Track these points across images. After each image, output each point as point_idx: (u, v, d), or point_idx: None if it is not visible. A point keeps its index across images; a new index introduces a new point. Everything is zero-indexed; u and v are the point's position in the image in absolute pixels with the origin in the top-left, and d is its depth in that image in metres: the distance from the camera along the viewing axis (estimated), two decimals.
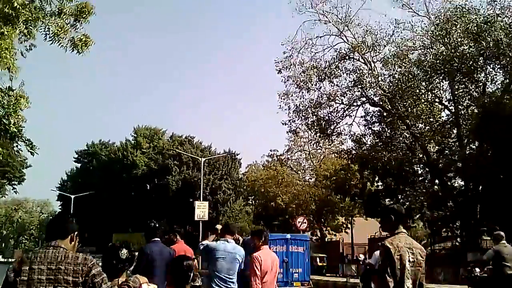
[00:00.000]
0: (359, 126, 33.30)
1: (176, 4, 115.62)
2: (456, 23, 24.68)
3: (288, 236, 20.87)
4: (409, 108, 29.13)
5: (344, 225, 49.49)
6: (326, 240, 48.40)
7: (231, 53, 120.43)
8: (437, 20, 27.21)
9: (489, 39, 23.22)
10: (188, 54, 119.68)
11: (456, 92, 28.45)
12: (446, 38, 24.74)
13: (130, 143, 68.31)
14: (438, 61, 25.48)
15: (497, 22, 23.12)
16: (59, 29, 8.74)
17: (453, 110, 29.50)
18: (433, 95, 30.16)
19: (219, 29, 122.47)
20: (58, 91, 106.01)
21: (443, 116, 29.96)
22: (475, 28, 24.20)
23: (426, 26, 29.46)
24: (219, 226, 8.07)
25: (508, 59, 22.77)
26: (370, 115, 32.76)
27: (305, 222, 27.70)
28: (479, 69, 25.40)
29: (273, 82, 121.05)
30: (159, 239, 7.73)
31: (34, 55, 10.98)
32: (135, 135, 69.40)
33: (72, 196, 59.65)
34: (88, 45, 9.21)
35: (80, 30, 9.10)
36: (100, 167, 64.61)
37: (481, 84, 26.73)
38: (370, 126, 33.32)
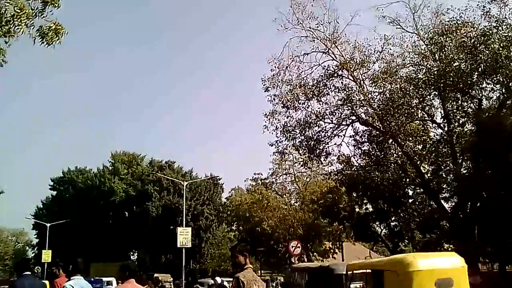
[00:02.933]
0: (348, 146, 32.03)
1: (158, 23, 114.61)
2: (451, 37, 23.79)
3: None
4: (401, 127, 28.04)
5: (332, 250, 48.09)
6: None
7: (212, 75, 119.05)
8: (428, 35, 26.34)
9: (486, 51, 22.33)
10: (168, 77, 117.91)
11: (449, 109, 27.50)
12: (441, 52, 23.79)
13: (107, 169, 66.33)
14: (431, 76, 24.49)
15: (494, 35, 22.27)
16: (18, 11, 7.15)
17: (446, 128, 28.52)
18: (425, 113, 29.21)
19: (199, 50, 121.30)
20: (29, 113, 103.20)
21: (437, 134, 28.90)
22: (471, 41, 23.35)
23: (414, 43, 28.72)
24: None
25: (506, 73, 21.85)
26: (360, 135, 31.63)
27: (298, 247, 26.11)
28: (474, 84, 24.46)
29: (256, 105, 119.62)
30: (30, 273, 7.91)
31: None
32: (113, 161, 67.50)
33: (48, 225, 57.13)
34: (60, 34, 7.69)
35: (49, 16, 7.59)
36: (77, 195, 62.39)
37: (476, 100, 25.81)
38: (359, 146, 32.14)
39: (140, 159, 68.84)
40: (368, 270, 11.32)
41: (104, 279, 36.07)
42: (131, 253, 65.37)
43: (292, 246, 26.21)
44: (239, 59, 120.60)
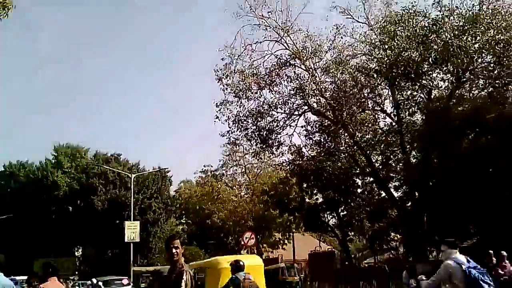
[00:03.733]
0: (299, 137, 32.02)
1: (102, 10, 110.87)
2: (403, 26, 24.00)
3: None
4: (352, 116, 28.20)
5: (281, 241, 48.18)
6: (264, 257, 46.65)
7: (158, 64, 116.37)
8: (380, 24, 26.52)
9: (438, 40, 22.67)
10: (110, 65, 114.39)
11: (399, 99, 27.86)
12: (393, 41, 23.95)
13: (50, 162, 63.83)
14: (383, 66, 24.65)
15: (446, 24, 22.62)
16: None
17: (396, 118, 28.92)
18: (375, 103, 29.51)
19: (143, 39, 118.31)
20: None
21: (387, 124, 29.25)
22: (422, 30, 23.63)
23: (365, 33, 28.90)
24: None
25: (457, 62, 22.23)
26: (311, 125, 31.67)
27: (252, 238, 25.82)
28: (425, 74, 24.81)
29: (205, 96, 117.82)
30: None
31: None
32: (56, 154, 64.99)
33: None
34: (7, 8, 6.97)
35: None
36: (18, 189, 59.72)
37: (426, 89, 26.22)
38: (310, 136, 32.19)
39: (84, 151, 66.58)
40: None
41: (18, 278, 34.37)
42: (76, 249, 63.31)
43: (246, 238, 25.94)
44: (185, 45, 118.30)
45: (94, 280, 30.87)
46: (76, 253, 63.60)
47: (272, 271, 27.66)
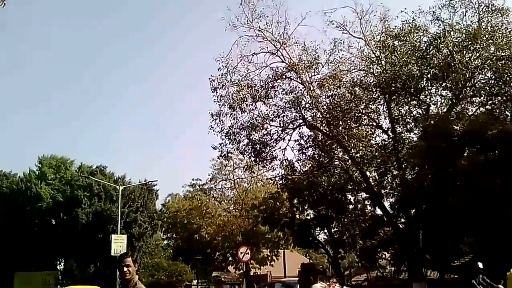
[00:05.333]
0: (293, 151, 31.55)
1: (96, 25, 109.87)
2: (404, 40, 23.80)
3: None
4: (349, 131, 27.85)
5: (269, 258, 47.39)
6: (252, 274, 45.84)
7: (147, 74, 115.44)
8: (379, 38, 26.29)
9: (439, 55, 22.47)
10: (97, 76, 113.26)
11: (396, 115, 27.61)
12: (392, 55, 23.72)
13: (34, 173, 62.49)
14: (382, 80, 24.37)
15: (447, 39, 22.44)
16: None
17: (391, 134, 28.65)
18: (371, 119, 29.21)
19: (135, 47, 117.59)
20: None
21: (383, 140, 28.91)
22: (423, 45, 23.44)
23: (361, 48, 28.73)
24: None
25: (458, 77, 22.01)
26: (305, 139, 31.27)
27: (248, 253, 25.02)
28: (423, 89, 24.59)
29: (193, 109, 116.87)
30: None
31: None
32: (40, 165, 63.69)
33: None
34: None
35: None
36: (1, 200, 58.28)
37: (424, 105, 25.98)
38: (303, 151, 31.78)
39: (69, 163, 65.28)
40: None
41: None
42: (58, 262, 61.75)
43: (241, 253, 25.10)
44: (177, 55, 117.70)
45: None
46: (58, 267, 62.12)
47: None
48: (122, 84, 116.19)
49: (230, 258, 47.47)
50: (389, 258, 36.58)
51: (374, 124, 29.24)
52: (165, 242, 59.37)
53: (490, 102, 24.28)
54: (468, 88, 24.67)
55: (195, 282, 54.97)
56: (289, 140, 30.84)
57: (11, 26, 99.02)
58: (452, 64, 21.62)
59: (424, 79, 24.03)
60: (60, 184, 59.39)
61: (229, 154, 32.03)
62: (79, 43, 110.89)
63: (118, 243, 36.70)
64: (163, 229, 56.38)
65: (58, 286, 57.08)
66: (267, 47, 29.05)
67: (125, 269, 5.23)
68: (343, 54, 28.69)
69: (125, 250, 37.40)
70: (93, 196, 53.73)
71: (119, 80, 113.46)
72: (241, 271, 47.24)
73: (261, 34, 28.69)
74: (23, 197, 56.99)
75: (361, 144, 28.47)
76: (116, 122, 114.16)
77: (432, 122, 24.41)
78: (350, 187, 31.56)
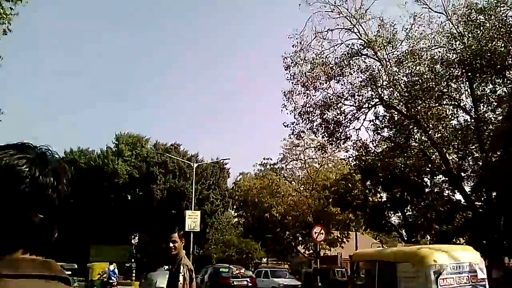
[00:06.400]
0: (367, 131, 30.67)
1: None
2: (490, 14, 22.32)
3: None
4: (428, 110, 26.61)
5: (340, 239, 46.87)
6: (322, 254, 45.52)
7: (219, 54, 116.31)
8: (464, 12, 24.74)
9: None
10: (171, 55, 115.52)
11: (480, 93, 26.08)
12: (478, 30, 22.31)
13: (111, 150, 64.96)
14: (466, 56, 22.99)
15: None
16: None
17: (473, 114, 27.12)
18: (452, 98, 27.76)
19: (203, 27, 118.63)
20: (31, 91, 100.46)
21: (465, 120, 27.43)
22: (511, 20, 21.89)
23: (442, 23, 27.28)
24: None
25: None
26: (381, 119, 30.27)
27: (322, 233, 24.69)
28: (509, 67, 23.02)
29: (266, 87, 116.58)
30: None
31: None
32: (117, 142, 66.09)
33: None
34: None
35: None
36: (79, 175, 60.99)
37: (510, 84, 24.36)
38: (379, 131, 30.80)
39: (145, 141, 67.45)
40: None
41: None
42: (133, 237, 64.15)
43: (315, 232, 24.79)
44: (249, 34, 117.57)
45: None
46: (132, 241, 64.48)
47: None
48: (195, 63, 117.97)
49: (300, 238, 47.40)
50: (464, 243, 35.11)
51: (455, 103, 27.77)
52: (236, 219, 60.05)
53: None
54: None
55: (264, 260, 55.48)
56: (364, 120, 30.03)
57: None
58: None
59: (511, 55, 22.45)
60: (136, 160, 61.39)
61: (301, 134, 31.61)
62: (156, 19, 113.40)
63: (192, 219, 37.47)
64: (234, 207, 57.09)
65: (132, 260, 59.65)
66: (342, 23, 28.26)
67: (171, 244, 5.48)
68: (423, 30, 27.43)
69: (198, 226, 38.21)
70: (167, 173, 55.18)
71: (193, 58, 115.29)
72: (311, 251, 47.01)
73: (336, 10, 27.90)
74: (100, 173, 59.40)
75: (440, 124, 27.23)
76: (189, 102, 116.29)
77: None
78: (428, 170, 30.29)
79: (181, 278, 4.88)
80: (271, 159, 48.43)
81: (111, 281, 27.99)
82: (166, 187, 53.39)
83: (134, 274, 38.78)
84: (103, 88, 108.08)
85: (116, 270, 29.42)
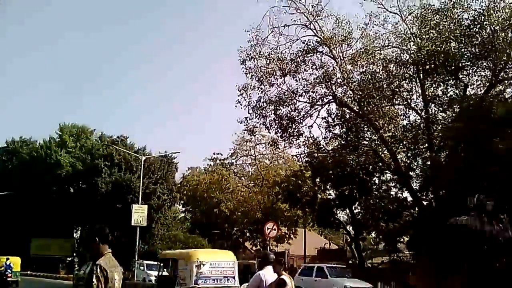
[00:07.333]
0: (319, 128, 30.71)
1: None
2: (445, 15, 22.71)
3: None
4: (380, 109, 26.93)
5: (287, 236, 46.97)
6: (270, 250, 45.47)
7: (169, 45, 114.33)
8: (419, 12, 25.03)
9: (482, 32, 21.37)
10: (121, 47, 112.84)
11: (431, 94, 26.60)
12: (434, 31, 22.65)
13: (54, 141, 62.65)
14: (421, 56, 23.32)
15: (491, 16, 21.28)
16: None
17: (424, 115, 27.63)
18: (403, 98, 28.18)
19: (152, 15, 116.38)
20: None
21: (417, 119, 27.91)
22: (465, 22, 22.35)
23: (397, 24, 27.60)
24: None
25: (500, 56, 20.94)
26: (333, 117, 30.41)
27: (274, 229, 24.48)
28: (463, 68, 23.54)
29: (216, 82, 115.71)
30: None
31: None
32: (60, 133, 63.81)
33: None
34: None
35: None
36: (20, 166, 58.52)
37: (462, 84, 24.92)
38: (331, 129, 30.94)
39: (90, 133, 65.45)
40: None
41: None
42: (75, 230, 62.15)
43: (268, 228, 24.56)
44: (200, 26, 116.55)
45: None
46: (74, 235, 62.53)
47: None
48: (145, 55, 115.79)
49: (247, 234, 47.19)
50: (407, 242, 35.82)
51: (407, 103, 28.22)
52: (183, 215, 59.20)
53: None
54: (509, 69, 23.59)
55: None
56: (316, 117, 30.06)
57: None
58: (496, 43, 20.54)
59: (465, 57, 22.95)
60: (81, 152, 59.43)
61: (254, 129, 31.37)
62: (106, 14, 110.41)
63: (139, 213, 36.59)
64: (182, 202, 56.20)
65: (74, 254, 57.84)
66: (299, 19, 28.12)
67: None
68: (377, 30, 27.67)
69: (145, 221, 37.29)
70: (113, 166, 53.62)
71: (143, 50, 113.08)
72: (258, 247, 46.93)
73: (293, 5, 27.73)
74: (43, 164, 57.21)
75: (392, 124, 27.62)
76: (138, 94, 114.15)
77: (470, 102, 23.40)
78: (378, 168, 30.69)
79: (94, 279, 4.90)
80: (221, 154, 48.04)
81: (7, 273, 33.54)
82: (112, 180, 51.87)
83: (76, 268, 37.73)
84: (48, 74, 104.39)
85: (13, 265, 34.40)
